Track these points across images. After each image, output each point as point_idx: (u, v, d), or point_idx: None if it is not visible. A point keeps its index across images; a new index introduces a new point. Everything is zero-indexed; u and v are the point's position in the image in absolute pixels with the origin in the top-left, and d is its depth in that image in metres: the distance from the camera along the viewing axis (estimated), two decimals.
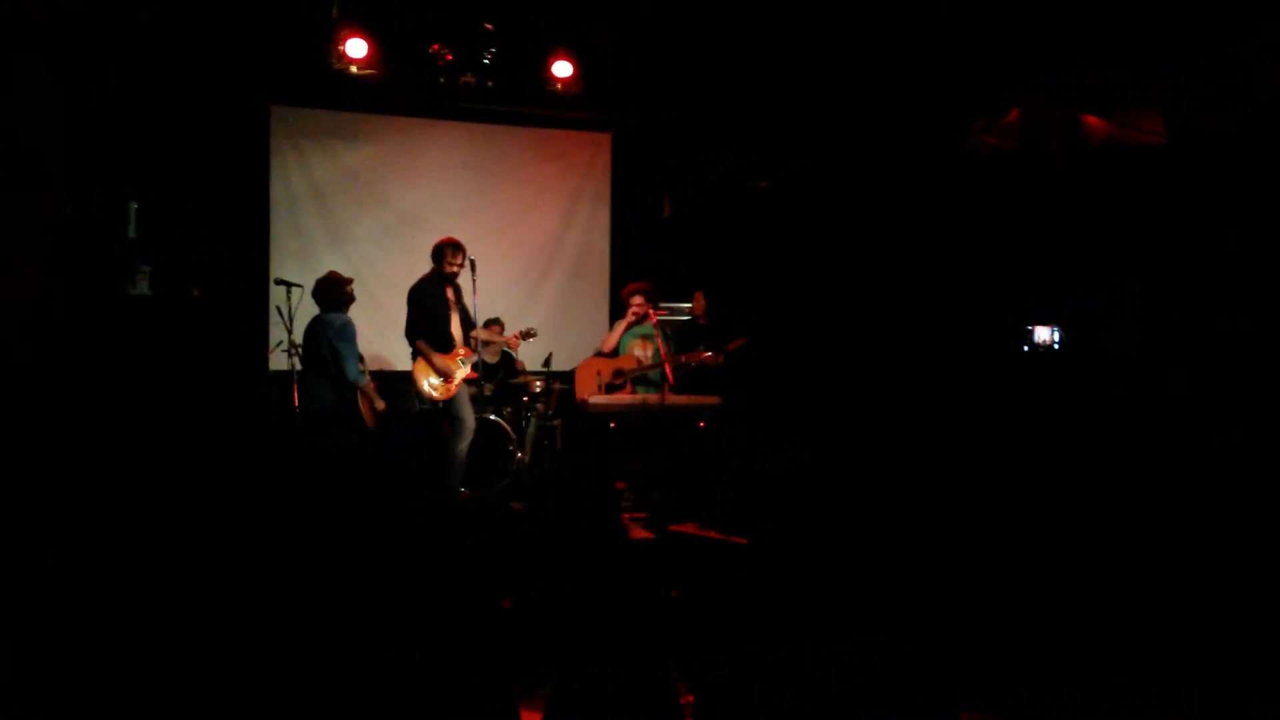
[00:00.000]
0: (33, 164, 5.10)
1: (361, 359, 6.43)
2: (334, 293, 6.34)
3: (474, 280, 6.36)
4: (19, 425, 4.67)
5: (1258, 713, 2.97)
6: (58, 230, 5.41)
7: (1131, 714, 3.00)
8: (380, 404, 6.56)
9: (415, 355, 6.35)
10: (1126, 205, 5.60)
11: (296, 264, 7.69)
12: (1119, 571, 4.04)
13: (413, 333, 6.33)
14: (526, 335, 6.83)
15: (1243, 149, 5.05)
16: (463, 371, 6.36)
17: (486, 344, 6.61)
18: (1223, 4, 5.05)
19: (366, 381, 6.45)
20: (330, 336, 6.19)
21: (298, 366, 6.53)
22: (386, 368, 7.53)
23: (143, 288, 6.72)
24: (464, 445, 6.33)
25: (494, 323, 7.47)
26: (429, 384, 6.28)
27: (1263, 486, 4.28)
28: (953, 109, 6.69)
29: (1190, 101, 5.31)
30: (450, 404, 6.30)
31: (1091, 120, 6.19)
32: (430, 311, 6.30)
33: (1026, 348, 6.12)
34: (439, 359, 6.27)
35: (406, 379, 6.47)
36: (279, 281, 6.56)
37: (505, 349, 7.49)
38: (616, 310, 7.24)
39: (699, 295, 7.78)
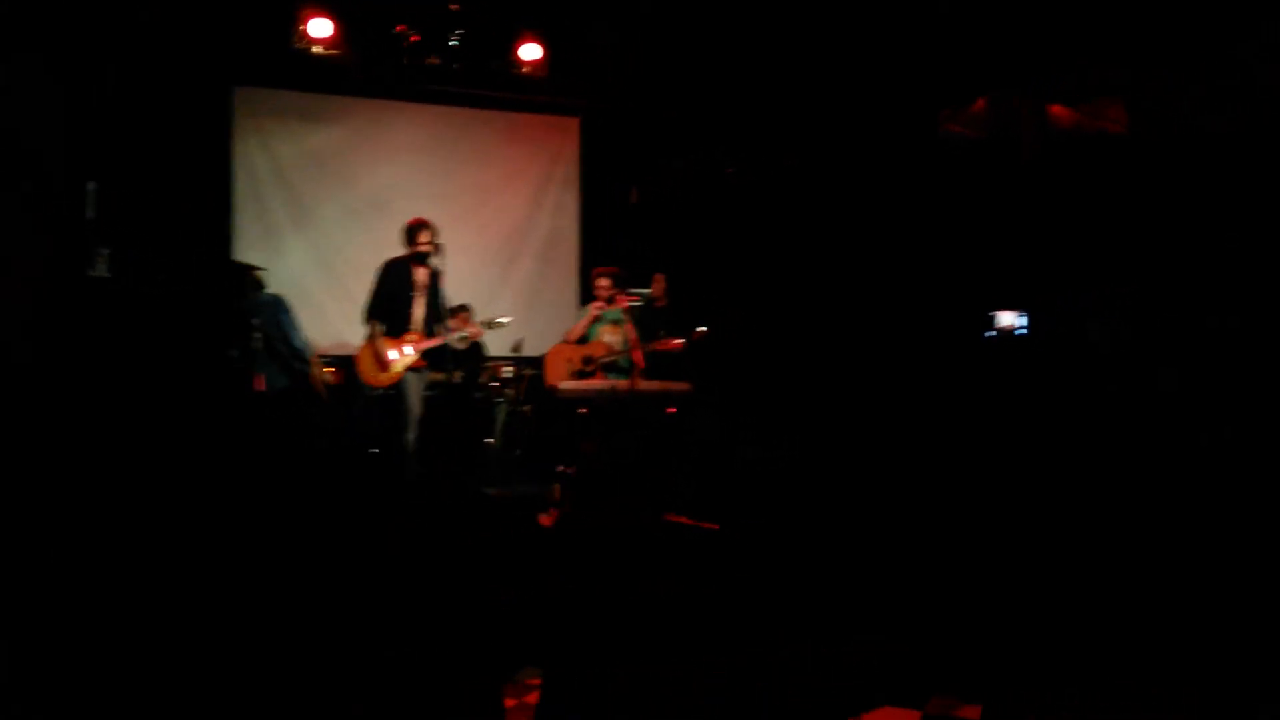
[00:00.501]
0: (30, 159, 4.98)
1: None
2: (246, 280, 6.43)
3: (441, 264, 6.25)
4: None
5: (1263, 713, 3.01)
6: (54, 224, 5.30)
7: (1128, 714, 3.04)
8: (329, 374, 6.47)
9: (367, 339, 6.14)
10: (1112, 201, 5.66)
11: (260, 247, 7.58)
12: (1104, 563, 4.10)
13: (368, 312, 6.15)
14: (492, 324, 6.53)
15: (1236, 148, 5.12)
16: (406, 359, 6.06)
17: (460, 334, 6.31)
18: (1221, 3, 5.10)
19: (313, 350, 6.42)
20: (271, 313, 6.22)
21: (260, 349, 6.47)
22: (350, 351, 7.43)
23: (101, 270, 6.57)
24: (411, 436, 6.05)
25: (461, 310, 7.31)
26: (369, 371, 6.06)
27: (1253, 483, 4.34)
28: (923, 97, 6.74)
29: (1189, 101, 5.37)
30: (397, 391, 6.08)
31: (1057, 110, 6.27)
32: (392, 294, 6.12)
33: (991, 333, 6.18)
34: (383, 343, 6.05)
35: None
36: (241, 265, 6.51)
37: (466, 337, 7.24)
38: (585, 295, 7.22)
39: (659, 278, 7.78)
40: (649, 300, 7.79)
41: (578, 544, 4.85)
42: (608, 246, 8.52)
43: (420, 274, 6.18)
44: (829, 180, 7.43)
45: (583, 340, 6.87)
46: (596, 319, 6.87)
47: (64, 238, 5.00)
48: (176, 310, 6.61)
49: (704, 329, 7.08)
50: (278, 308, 6.28)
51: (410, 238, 6.15)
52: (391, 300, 6.12)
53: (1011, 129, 6.33)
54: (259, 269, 6.59)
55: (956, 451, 5.57)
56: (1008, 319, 6.21)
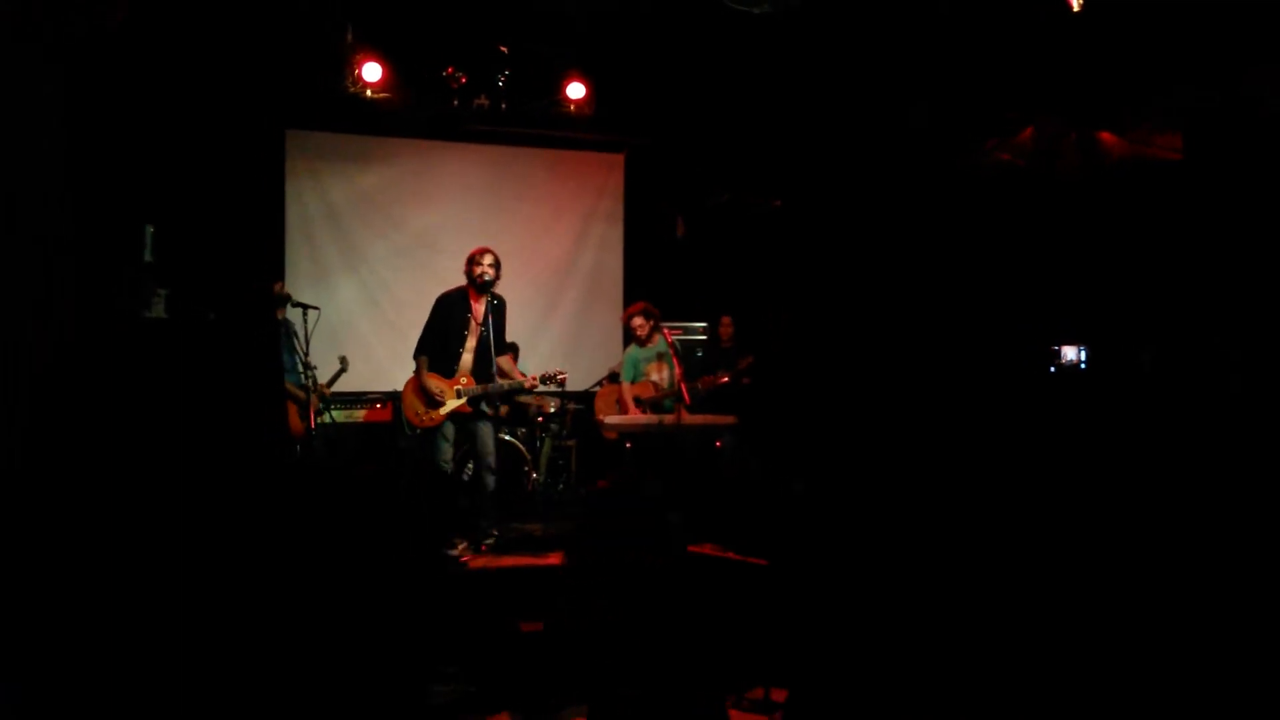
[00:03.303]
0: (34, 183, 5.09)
1: (305, 364, 6.50)
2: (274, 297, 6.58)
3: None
4: (37, 443, 4.66)
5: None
6: (63, 252, 5.41)
7: None
8: (313, 405, 6.54)
9: (414, 373, 5.93)
10: (1150, 224, 5.56)
11: (312, 286, 7.72)
12: (1146, 598, 3.98)
13: (419, 346, 5.94)
14: (548, 380, 6.16)
15: (1258, 164, 5.03)
16: (455, 403, 5.81)
17: (506, 380, 5.96)
18: (1237, 20, 5.04)
19: (295, 385, 6.50)
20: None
21: (313, 387, 6.58)
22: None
23: (158, 310, 6.73)
24: (490, 480, 5.88)
25: (508, 349, 7.26)
26: (414, 409, 5.85)
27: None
28: (968, 127, 6.69)
29: (1207, 116, 5.29)
30: (470, 438, 5.91)
31: (1106, 137, 6.18)
32: (446, 330, 5.88)
33: (1053, 368, 6.06)
34: (432, 381, 5.81)
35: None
36: (295, 303, 6.62)
37: (518, 389, 6.79)
38: (630, 332, 7.21)
39: (727, 320, 7.75)
40: (715, 341, 7.79)
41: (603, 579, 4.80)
42: (653, 281, 8.54)
43: (478, 308, 5.95)
44: (876, 212, 7.38)
45: (632, 381, 6.85)
46: (641, 355, 6.86)
47: (79, 263, 5.09)
48: (229, 350, 6.72)
49: (750, 359, 7.06)
50: (280, 332, 6.45)
51: (468, 265, 5.94)
52: (445, 337, 5.91)
53: (1059, 157, 6.25)
54: (277, 282, 6.71)
55: (995, 479, 5.44)
56: (1070, 354, 6.10)
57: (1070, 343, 6.03)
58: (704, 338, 7.96)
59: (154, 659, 3.38)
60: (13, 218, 3.84)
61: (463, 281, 6.02)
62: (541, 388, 6.29)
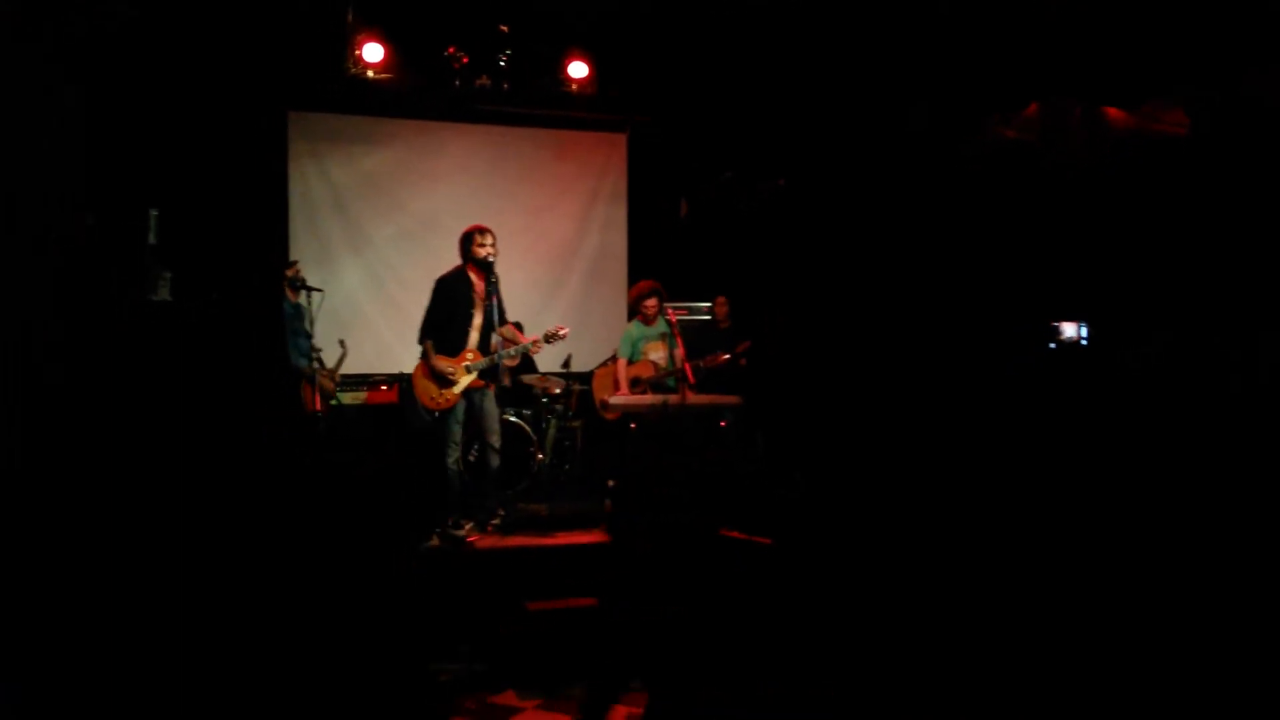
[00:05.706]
0: (51, 174, 5.10)
1: (310, 346, 6.65)
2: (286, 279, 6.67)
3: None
4: (44, 429, 4.68)
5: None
6: (74, 240, 5.41)
7: None
8: (331, 386, 6.73)
9: (421, 358, 5.93)
10: (1157, 200, 5.53)
11: (316, 268, 7.71)
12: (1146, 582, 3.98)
13: (423, 330, 5.93)
14: (551, 337, 6.15)
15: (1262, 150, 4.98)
16: (467, 379, 5.84)
17: (508, 346, 5.94)
18: (1237, 20, 4.99)
19: (307, 365, 6.59)
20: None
21: (317, 369, 6.61)
22: (408, 371, 7.49)
23: (164, 293, 6.75)
24: (495, 462, 5.93)
25: (513, 324, 7.26)
26: (428, 392, 5.85)
27: None
28: (969, 105, 6.64)
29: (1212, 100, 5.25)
30: (476, 417, 5.92)
31: (1112, 112, 6.13)
32: (452, 309, 5.87)
33: (1053, 344, 6.03)
34: (441, 361, 5.82)
35: None
36: (301, 286, 6.63)
37: (524, 352, 7.03)
38: (638, 310, 7.20)
39: (721, 300, 7.74)
40: (713, 321, 7.77)
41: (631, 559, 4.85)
42: (656, 261, 8.51)
43: (480, 285, 5.96)
44: (880, 191, 7.35)
45: (630, 360, 6.84)
46: (640, 335, 6.84)
47: (86, 248, 5.10)
48: (233, 330, 6.75)
49: (748, 343, 7.05)
50: (289, 317, 6.55)
51: (467, 244, 5.93)
52: (450, 318, 5.91)
53: (1065, 133, 6.21)
54: (293, 263, 6.84)
55: (992, 464, 5.43)
56: (1070, 330, 6.07)
57: (1070, 319, 5.99)
58: (707, 318, 7.95)
59: (158, 637, 3.40)
60: (13, 212, 3.84)
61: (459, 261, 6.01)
62: (545, 346, 6.22)
